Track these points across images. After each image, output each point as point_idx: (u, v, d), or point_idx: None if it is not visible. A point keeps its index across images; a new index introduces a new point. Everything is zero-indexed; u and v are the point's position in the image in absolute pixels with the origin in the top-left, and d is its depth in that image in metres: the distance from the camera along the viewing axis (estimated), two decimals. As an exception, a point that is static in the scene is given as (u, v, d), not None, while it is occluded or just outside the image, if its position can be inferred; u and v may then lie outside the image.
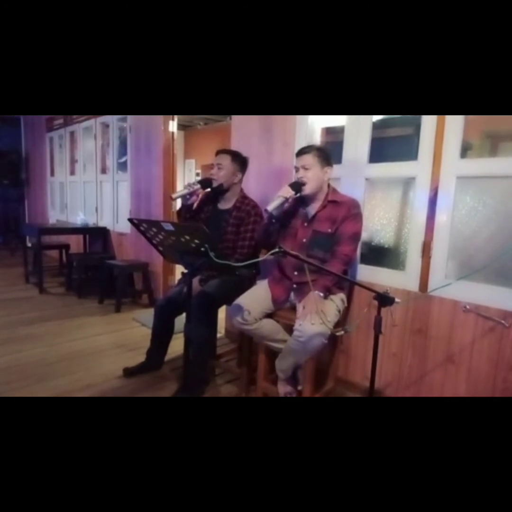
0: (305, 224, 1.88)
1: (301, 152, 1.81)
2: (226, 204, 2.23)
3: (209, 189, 2.17)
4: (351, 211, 1.80)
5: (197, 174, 7.80)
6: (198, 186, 2.09)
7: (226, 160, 2.15)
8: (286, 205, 1.79)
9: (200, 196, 2.20)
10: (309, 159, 1.78)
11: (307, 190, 1.79)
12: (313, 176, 1.78)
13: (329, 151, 1.86)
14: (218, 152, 2.22)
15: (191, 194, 2.10)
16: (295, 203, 1.93)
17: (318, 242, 1.83)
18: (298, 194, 1.79)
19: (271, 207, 1.72)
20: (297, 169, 1.82)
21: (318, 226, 1.84)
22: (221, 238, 2.14)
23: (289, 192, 1.73)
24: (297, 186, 1.77)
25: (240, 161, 2.21)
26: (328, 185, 1.88)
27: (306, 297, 1.72)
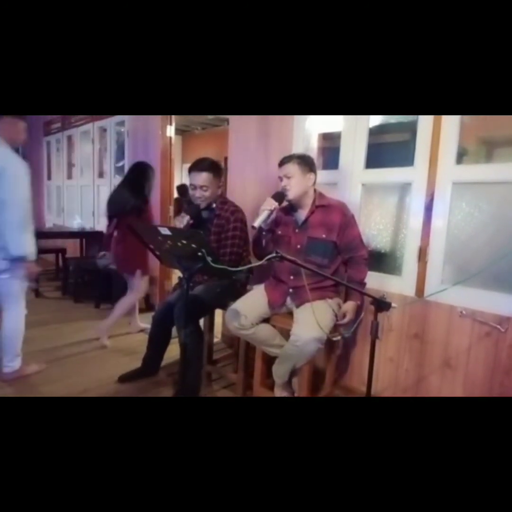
0: (297, 230, 1.89)
1: (282, 162, 1.84)
2: (208, 212, 2.17)
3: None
4: (347, 215, 1.84)
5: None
6: (187, 217, 2.01)
7: (208, 179, 2.04)
8: (272, 216, 1.80)
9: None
10: (290, 167, 1.81)
11: (290, 196, 1.81)
12: (296, 183, 1.80)
13: (311, 158, 1.88)
14: (192, 170, 2.07)
15: (187, 226, 2.03)
16: (284, 211, 1.94)
17: (314, 248, 1.84)
18: (283, 204, 1.82)
19: (257, 222, 1.73)
20: (281, 179, 1.84)
21: (312, 233, 1.85)
22: None
23: (272, 204, 1.75)
24: (279, 196, 1.79)
25: (219, 171, 2.11)
26: (315, 191, 1.89)
27: (348, 305, 1.81)
